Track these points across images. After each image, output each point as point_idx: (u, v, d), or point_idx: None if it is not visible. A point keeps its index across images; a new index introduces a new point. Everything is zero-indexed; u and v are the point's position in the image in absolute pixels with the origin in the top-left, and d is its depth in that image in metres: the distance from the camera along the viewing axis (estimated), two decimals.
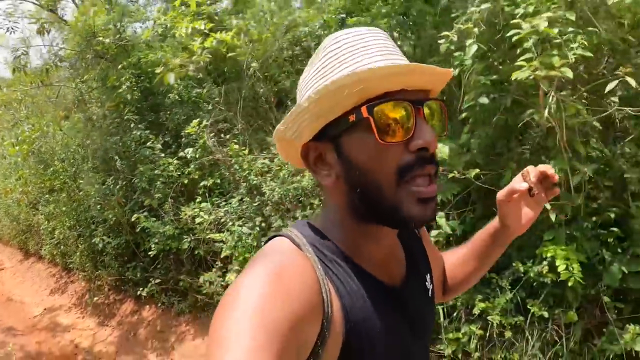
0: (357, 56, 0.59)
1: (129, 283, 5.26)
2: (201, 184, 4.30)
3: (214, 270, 4.04)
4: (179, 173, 4.42)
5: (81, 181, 6.03)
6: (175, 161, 4.45)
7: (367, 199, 0.60)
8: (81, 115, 5.91)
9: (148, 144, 4.66)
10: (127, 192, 5.15)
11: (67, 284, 6.70)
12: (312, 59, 0.65)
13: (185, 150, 4.37)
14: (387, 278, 0.68)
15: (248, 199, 3.82)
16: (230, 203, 3.93)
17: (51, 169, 6.40)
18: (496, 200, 0.83)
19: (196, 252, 4.25)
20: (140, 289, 4.76)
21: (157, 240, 4.33)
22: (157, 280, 4.64)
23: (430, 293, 0.77)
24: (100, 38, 4.62)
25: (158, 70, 3.99)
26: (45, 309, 6.16)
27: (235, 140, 4.07)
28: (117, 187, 5.14)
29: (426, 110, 0.60)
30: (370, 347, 0.60)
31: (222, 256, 3.78)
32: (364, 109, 0.57)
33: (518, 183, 0.79)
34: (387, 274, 0.68)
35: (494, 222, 0.88)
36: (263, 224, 3.71)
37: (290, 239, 0.62)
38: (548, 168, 0.79)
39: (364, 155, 0.59)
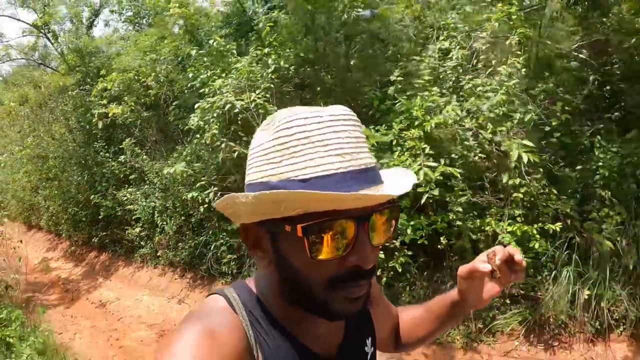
0: (309, 152, 0.56)
1: (93, 239, 8.72)
2: (130, 177, 7.66)
3: (134, 228, 7.43)
4: (117, 170, 7.79)
5: (66, 173, 9.50)
6: (116, 164, 7.83)
7: (296, 294, 0.63)
8: (65, 130, 9.35)
9: (101, 153, 8.07)
10: (92, 182, 8.58)
11: (57, 244, 10.24)
12: (266, 126, 0.61)
13: (121, 157, 7.73)
14: (322, 348, 0.69)
15: (149, 187, 7.17)
16: (141, 189, 7.30)
17: (47, 164, 9.88)
18: (458, 274, 0.84)
19: (125, 217, 7.64)
20: (97, 239, 8.23)
21: (103, 211, 7.77)
22: (103, 233, 8.10)
23: (369, 357, 0.79)
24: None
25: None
26: (42, 259, 9.68)
27: (144, 152, 7.39)
28: (85, 178, 8.58)
29: (376, 222, 0.60)
30: None
31: (134, 218, 7.17)
32: (299, 228, 0.55)
33: (481, 263, 0.80)
34: (321, 344, 0.69)
35: (453, 293, 0.88)
36: (156, 202, 7.05)
37: (226, 299, 0.65)
38: (516, 252, 0.78)
39: (297, 261, 0.60)
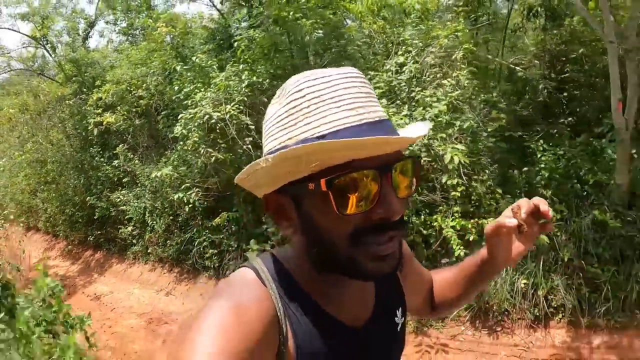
0: (320, 110, 0.58)
1: (89, 238, 9.39)
2: (124, 180, 8.33)
3: (126, 227, 8.10)
4: (111, 174, 8.47)
5: (63, 177, 10.18)
6: (110, 168, 8.51)
7: (324, 255, 0.63)
8: (62, 136, 10.04)
9: (96, 158, 8.76)
10: (88, 185, 9.26)
11: (54, 244, 10.90)
12: (277, 98, 0.64)
13: (115, 161, 8.41)
14: (349, 319, 0.70)
15: (140, 189, 7.85)
16: (133, 192, 7.98)
17: (45, 168, 10.56)
18: (484, 233, 0.84)
19: (118, 217, 8.32)
20: (92, 238, 8.91)
21: (98, 212, 8.45)
22: (98, 233, 8.78)
23: (399, 327, 0.80)
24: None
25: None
26: (40, 258, 10.33)
27: (136, 157, 8.08)
28: (81, 182, 9.26)
29: (399, 173, 0.61)
30: None
31: (126, 218, 7.84)
32: (322, 182, 0.57)
33: (507, 219, 0.79)
34: (349, 315, 0.70)
35: (483, 252, 0.88)
36: (147, 202, 7.72)
37: (255, 271, 0.67)
38: (542, 203, 0.77)
39: (323, 220, 0.61)
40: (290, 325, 0.63)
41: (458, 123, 4.87)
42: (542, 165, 5.02)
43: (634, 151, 4.82)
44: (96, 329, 6.33)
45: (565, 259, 4.69)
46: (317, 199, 0.59)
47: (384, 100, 4.87)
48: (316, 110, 0.58)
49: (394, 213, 0.60)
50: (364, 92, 0.61)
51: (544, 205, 0.77)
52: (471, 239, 4.60)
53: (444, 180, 4.71)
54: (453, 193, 4.72)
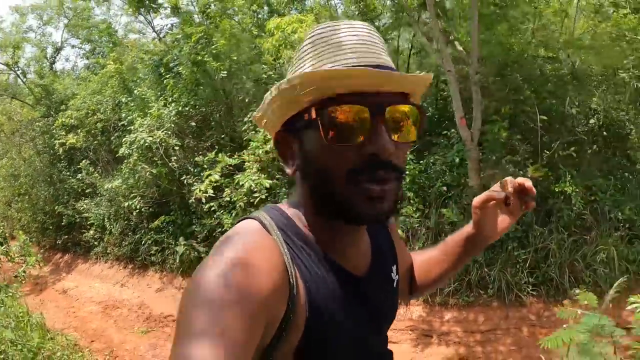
0: (326, 52, 0.65)
1: (58, 242, 11.10)
2: (86, 190, 10.07)
3: (89, 231, 9.83)
4: (76, 186, 10.21)
5: (35, 189, 11.90)
6: (75, 180, 10.24)
7: (318, 193, 0.68)
8: (33, 152, 11.75)
9: (63, 172, 10.50)
10: (56, 196, 10.98)
11: (37, 252, 12.57)
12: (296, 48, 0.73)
13: (79, 175, 10.13)
14: (352, 267, 0.74)
15: (100, 198, 9.60)
16: (94, 200, 9.73)
17: (19, 181, 12.27)
18: (472, 206, 0.90)
19: (82, 223, 10.06)
20: (60, 242, 10.64)
21: (65, 219, 10.19)
22: (66, 237, 10.51)
23: (395, 284, 0.85)
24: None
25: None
26: (23, 272, 12.00)
27: (97, 170, 9.82)
28: (51, 193, 10.99)
29: (395, 115, 0.65)
30: (331, 333, 0.67)
31: (89, 223, 9.60)
32: (313, 110, 0.63)
33: (496, 191, 0.87)
34: (352, 264, 0.74)
35: (468, 227, 0.94)
36: (105, 210, 9.45)
37: (259, 221, 0.68)
38: (526, 181, 0.86)
39: (317, 152, 0.66)
40: (299, 271, 0.66)
41: None
42: (407, 172, 6.86)
43: (481, 157, 6.62)
44: (62, 314, 8.08)
45: (417, 248, 6.50)
46: (312, 132, 0.64)
47: None
48: (321, 52, 0.65)
49: (384, 150, 0.63)
50: (370, 41, 0.67)
51: (528, 182, 0.85)
52: None
53: None
54: None
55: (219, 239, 0.66)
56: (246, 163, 6.18)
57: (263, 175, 5.92)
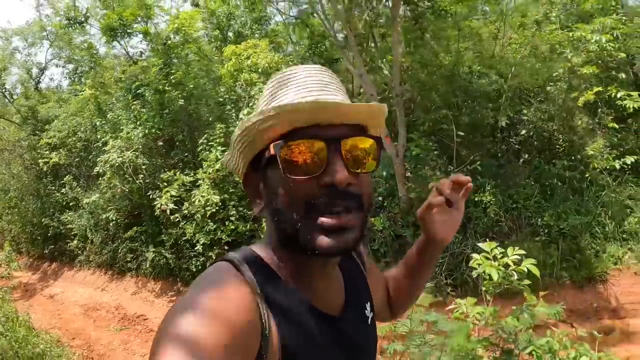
0: (283, 92, 0.72)
1: (45, 252, 12.37)
2: (70, 204, 11.32)
3: (73, 241, 11.08)
4: (61, 199, 11.46)
5: (24, 202, 13.18)
6: (60, 194, 11.50)
7: (281, 229, 0.70)
8: (21, 168, 13.02)
9: (49, 186, 11.77)
10: (43, 209, 12.25)
11: (19, 259, 13.85)
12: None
13: (63, 189, 11.39)
14: (326, 306, 0.76)
15: (82, 210, 10.85)
16: (77, 213, 10.98)
17: (8, 195, 13.55)
18: (417, 218, 0.95)
19: (67, 234, 11.31)
20: (47, 251, 11.92)
21: (51, 230, 11.46)
22: (52, 247, 11.78)
23: (369, 321, 0.87)
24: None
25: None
26: (7, 273, 13.29)
27: (79, 185, 11.07)
28: (38, 206, 12.26)
29: (352, 147, 0.69)
30: None
31: (72, 234, 10.85)
32: (271, 147, 0.68)
33: (434, 198, 0.91)
34: (325, 303, 0.76)
35: (421, 238, 0.99)
36: (87, 222, 10.69)
37: (231, 262, 0.71)
38: (459, 175, 0.91)
39: (277, 187, 0.69)
40: (272, 314, 0.67)
41: None
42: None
43: (407, 170, 7.81)
44: (48, 316, 9.33)
45: None
46: (274, 166, 0.69)
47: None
48: (279, 92, 0.72)
49: (340, 180, 0.66)
50: (325, 81, 0.73)
51: (462, 177, 0.91)
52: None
53: None
54: None
55: (195, 280, 0.68)
56: (199, 180, 7.40)
57: (212, 192, 7.13)
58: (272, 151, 0.68)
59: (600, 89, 7.00)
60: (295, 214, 0.68)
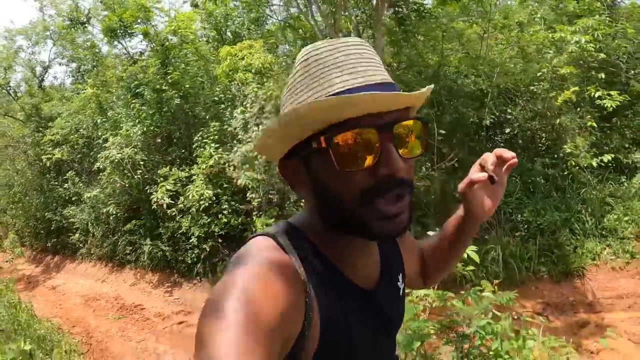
0: (325, 74, 0.67)
1: (48, 245, 12.90)
2: (73, 198, 11.83)
3: (75, 235, 11.59)
4: (63, 194, 11.97)
5: (27, 197, 13.72)
6: (62, 189, 12.01)
7: (334, 215, 0.72)
8: (25, 164, 13.55)
9: (52, 182, 12.28)
10: (46, 203, 12.77)
11: (22, 252, 14.41)
12: (292, 70, 0.74)
13: (66, 184, 11.89)
14: (362, 281, 0.79)
15: (84, 205, 11.36)
16: (79, 207, 11.50)
17: (12, 190, 14.10)
18: (458, 191, 0.95)
19: (69, 228, 11.82)
20: (50, 244, 12.44)
21: (54, 224, 11.98)
22: (55, 240, 12.30)
23: (401, 292, 0.91)
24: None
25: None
26: (10, 264, 13.85)
27: (81, 180, 11.59)
28: (41, 200, 12.79)
29: (400, 131, 0.69)
30: (345, 346, 0.72)
31: (74, 228, 11.36)
32: (322, 140, 0.66)
33: (476, 174, 0.90)
34: (362, 277, 0.79)
35: (460, 211, 1.00)
36: (88, 216, 11.18)
37: (274, 239, 0.72)
38: (503, 152, 0.89)
39: (329, 178, 0.69)
40: (313, 289, 0.69)
41: None
42: None
43: None
44: (50, 305, 9.83)
45: None
46: (322, 158, 0.68)
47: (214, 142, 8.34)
48: (321, 74, 0.67)
49: (397, 170, 0.67)
50: (366, 57, 0.69)
51: (506, 153, 0.88)
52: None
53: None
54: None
55: (235, 255, 0.69)
56: (193, 176, 7.86)
57: (206, 187, 7.58)
58: (323, 143, 0.67)
59: (576, 88, 7.36)
60: (350, 203, 0.69)
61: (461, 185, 0.94)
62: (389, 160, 0.67)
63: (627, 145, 9.49)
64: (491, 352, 2.66)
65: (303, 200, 0.82)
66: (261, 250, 0.69)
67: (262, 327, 0.56)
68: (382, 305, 0.82)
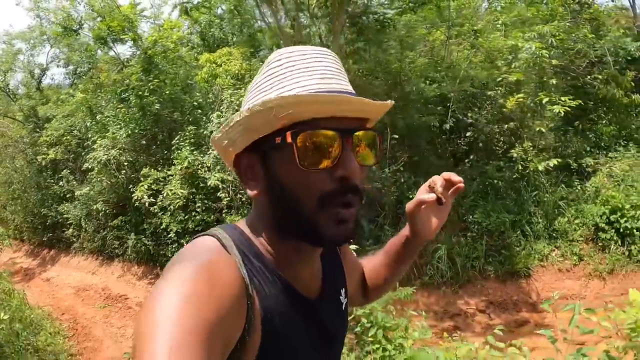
0: (295, 77, 0.71)
1: (44, 239, 13.96)
2: (67, 195, 12.84)
3: (69, 230, 12.61)
4: (58, 191, 13.00)
5: (26, 194, 14.79)
6: (57, 187, 13.04)
7: (288, 216, 0.74)
8: (24, 162, 14.62)
9: (48, 180, 13.33)
10: (43, 200, 13.83)
11: (20, 247, 15.52)
12: (259, 70, 0.78)
13: (61, 182, 12.91)
14: (305, 290, 0.81)
15: (77, 202, 12.38)
16: (73, 204, 12.51)
17: (12, 187, 15.19)
18: (405, 211, 1.00)
19: (64, 223, 12.85)
20: (46, 239, 13.51)
21: (50, 219, 13.02)
22: (51, 235, 13.37)
23: (343, 306, 0.94)
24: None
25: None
26: (9, 259, 14.96)
27: (74, 178, 12.60)
28: (38, 197, 13.85)
29: (356, 140, 0.73)
30: (287, 353, 0.74)
31: (68, 223, 12.38)
32: (288, 135, 0.69)
33: (426, 194, 0.96)
34: (305, 286, 0.81)
35: (405, 231, 1.05)
36: (80, 212, 12.19)
37: (217, 238, 0.73)
38: (451, 175, 0.96)
39: (288, 176, 0.72)
40: (255, 291, 0.70)
41: None
42: None
43: None
44: (44, 295, 10.86)
45: None
46: (283, 154, 0.70)
47: (188, 144, 9.25)
48: (290, 76, 0.71)
49: (353, 174, 0.71)
50: (335, 67, 0.75)
51: (454, 177, 0.95)
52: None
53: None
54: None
55: (177, 254, 0.70)
56: (170, 176, 8.78)
57: (180, 186, 8.50)
58: (289, 139, 0.69)
59: (521, 95, 8.04)
60: (307, 205, 0.71)
61: (409, 205, 0.99)
62: (347, 164, 0.71)
63: (588, 149, 10.18)
64: (370, 338, 3.18)
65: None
66: (204, 250, 0.70)
67: (202, 326, 0.56)
68: (324, 316, 0.84)
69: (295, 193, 0.72)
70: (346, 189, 0.72)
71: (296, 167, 0.70)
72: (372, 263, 1.14)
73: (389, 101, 0.78)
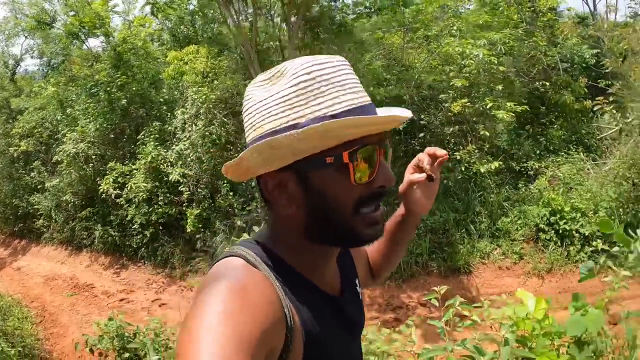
0: (330, 91, 0.74)
1: (15, 229, 14.54)
2: (38, 186, 13.42)
3: (39, 220, 13.21)
4: (30, 182, 13.58)
5: (5, 185, 15.33)
6: (29, 178, 13.61)
7: (324, 225, 0.79)
8: None
9: (19, 171, 13.90)
10: (15, 191, 14.39)
11: None
12: (271, 81, 0.78)
13: (32, 174, 13.48)
14: (330, 288, 0.88)
15: (47, 193, 12.98)
16: (43, 195, 13.12)
17: None
18: (399, 194, 1.08)
19: (35, 214, 13.44)
20: (17, 229, 14.12)
21: (21, 210, 13.61)
22: (22, 225, 13.97)
23: (360, 296, 1.01)
24: None
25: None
26: None
27: (46, 170, 13.19)
28: (10, 188, 14.41)
29: (386, 149, 0.81)
30: (324, 355, 0.80)
31: (39, 214, 12.99)
32: (345, 155, 0.73)
33: (415, 174, 1.04)
34: (329, 285, 0.88)
35: (400, 210, 1.14)
36: (51, 203, 12.80)
37: (243, 258, 0.77)
38: (436, 150, 1.02)
39: (334, 191, 0.76)
40: (290, 301, 0.74)
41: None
42: None
43: None
44: (14, 284, 11.49)
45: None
46: (331, 170, 0.74)
47: (153, 142, 9.92)
48: (326, 91, 0.74)
49: (391, 182, 0.80)
50: (354, 76, 0.79)
51: (438, 150, 1.02)
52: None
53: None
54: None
55: (206, 277, 0.73)
56: (134, 170, 9.45)
57: (144, 180, 9.18)
58: (345, 159, 0.73)
59: (464, 100, 8.78)
60: (344, 213, 0.77)
61: (401, 187, 1.07)
62: (386, 174, 0.79)
63: (538, 152, 10.99)
64: None
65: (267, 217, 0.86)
66: (233, 268, 0.74)
67: (244, 341, 0.60)
68: (349, 311, 0.91)
69: (337, 203, 0.77)
70: (382, 195, 0.81)
71: (345, 183, 0.75)
72: (374, 245, 1.16)
73: (407, 115, 0.85)
